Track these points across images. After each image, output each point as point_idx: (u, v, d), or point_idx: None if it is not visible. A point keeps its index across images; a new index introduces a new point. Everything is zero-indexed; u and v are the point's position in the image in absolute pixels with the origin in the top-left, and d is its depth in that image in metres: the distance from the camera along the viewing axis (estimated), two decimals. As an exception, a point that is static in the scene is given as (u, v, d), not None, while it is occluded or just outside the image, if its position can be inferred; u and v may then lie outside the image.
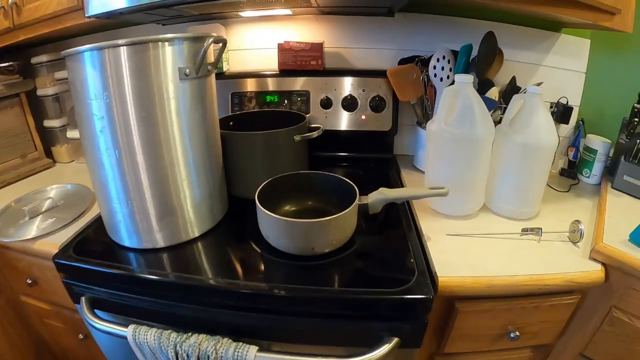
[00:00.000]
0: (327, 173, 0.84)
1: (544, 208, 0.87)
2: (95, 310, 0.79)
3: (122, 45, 0.64)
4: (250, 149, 0.89)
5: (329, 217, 0.68)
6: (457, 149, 0.81)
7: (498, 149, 0.83)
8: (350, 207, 0.71)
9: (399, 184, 1.03)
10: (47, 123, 1.25)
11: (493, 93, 0.93)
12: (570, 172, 1.05)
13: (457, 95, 0.80)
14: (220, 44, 0.75)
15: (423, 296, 0.63)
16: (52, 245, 0.83)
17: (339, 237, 0.73)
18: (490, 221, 0.85)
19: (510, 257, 0.72)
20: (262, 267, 0.74)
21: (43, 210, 0.96)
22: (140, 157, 0.71)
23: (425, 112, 1.05)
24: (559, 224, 0.81)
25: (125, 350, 0.86)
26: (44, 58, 1.17)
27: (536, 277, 0.67)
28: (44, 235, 0.86)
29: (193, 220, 0.80)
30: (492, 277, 0.67)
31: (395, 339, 0.65)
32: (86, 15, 0.86)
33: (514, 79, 0.95)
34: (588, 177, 1.03)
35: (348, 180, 0.79)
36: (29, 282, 0.96)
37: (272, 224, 0.72)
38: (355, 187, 0.77)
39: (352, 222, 0.74)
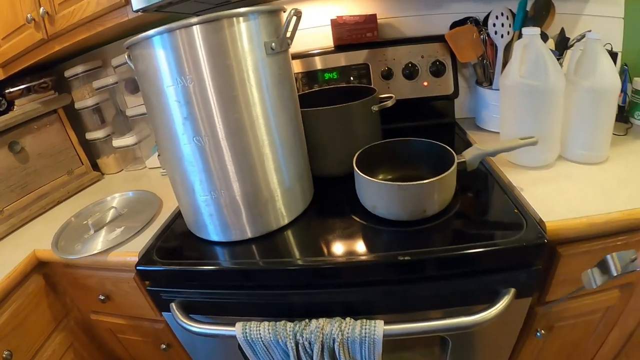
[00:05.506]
0: (418, 139, 0.76)
1: (611, 152, 0.81)
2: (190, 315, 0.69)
3: (195, 24, 0.55)
4: (328, 124, 0.80)
5: (439, 177, 0.61)
6: (533, 100, 0.74)
7: (566, 97, 0.77)
8: (452, 166, 0.64)
9: (471, 144, 0.94)
10: (90, 135, 1.14)
11: (550, 45, 0.87)
12: (622, 116, 0.99)
13: (528, 48, 0.74)
14: (294, 18, 0.66)
15: (538, 242, 0.57)
16: (131, 254, 0.73)
17: (446, 196, 0.65)
18: (568, 168, 0.78)
19: (600, 196, 0.67)
20: (375, 238, 0.65)
21: (108, 221, 0.85)
22: (225, 144, 0.62)
23: (485, 71, 0.99)
24: (632, 166, 0.76)
25: (223, 352, 0.77)
26: (79, 69, 1.06)
27: (628, 212, 0.62)
28: (116, 246, 0.75)
29: (284, 206, 0.70)
30: (591, 216, 0.62)
31: (513, 290, 0.59)
32: (133, 10, 0.75)
33: (562, 30, 0.88)
34: (640, 119, 0.97)
35: (440, 143, 0.71)
36: (102, 298, 0.84)
37: (381, 192, 0.64)
38: (449, 148, 0.69)
39: (454, 180, 0.66)
